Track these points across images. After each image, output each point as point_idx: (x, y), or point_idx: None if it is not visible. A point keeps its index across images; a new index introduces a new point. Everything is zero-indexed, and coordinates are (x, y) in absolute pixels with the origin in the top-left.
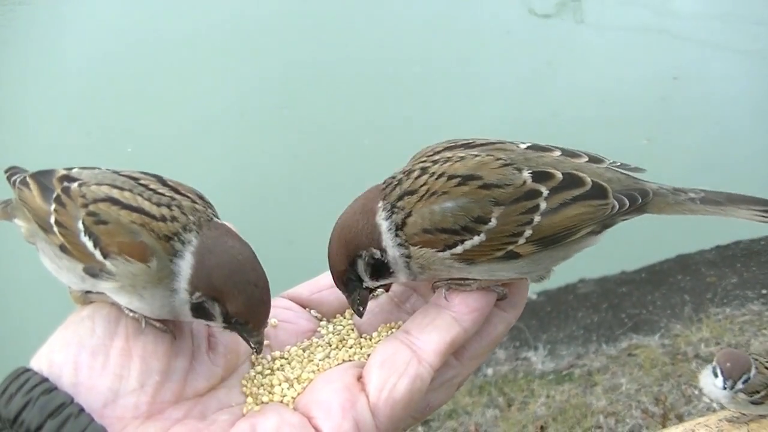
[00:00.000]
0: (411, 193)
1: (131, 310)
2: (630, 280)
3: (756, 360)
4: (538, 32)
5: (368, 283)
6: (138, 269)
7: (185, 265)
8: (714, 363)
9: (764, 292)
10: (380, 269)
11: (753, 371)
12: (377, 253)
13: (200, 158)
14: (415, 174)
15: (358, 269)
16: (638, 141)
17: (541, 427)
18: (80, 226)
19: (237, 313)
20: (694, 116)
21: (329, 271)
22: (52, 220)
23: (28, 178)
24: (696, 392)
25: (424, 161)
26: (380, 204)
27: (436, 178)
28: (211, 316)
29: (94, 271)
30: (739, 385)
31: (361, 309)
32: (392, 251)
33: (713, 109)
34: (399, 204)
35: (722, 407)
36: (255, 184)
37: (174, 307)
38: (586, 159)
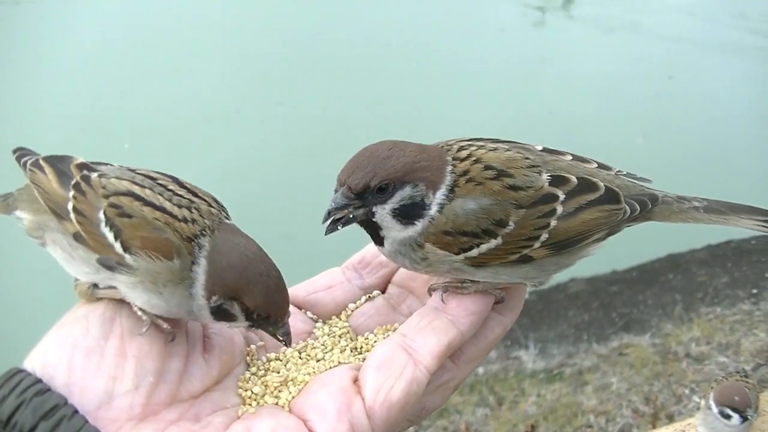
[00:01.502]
0: (458, 159)
1: (142, 310)
2: (621, 280)
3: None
4: (532, 30)
5: (381, 214)
6: (161, 266)
7: (200, 271)
8: (717, 406)
9: (755, 291)
10: (410, 212)
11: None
12: (430, 198)
13: (197, 154)
14: (455, 148)
15: (399, 191)
16: (633, 139)
17: (532, 426)
18: (101, 216)
19: (257, 307)
20: (688, 115)
21: (358, 163)
22: (70, 206)
23: (41, 161)
24: (686, 392)
25: (454, 145)
26: (449, 167)
27: (474, 162)
28: (233, 317)
29: (110, 263)
30: (751, 413)
31: (340, 228)
32: (434, 209)
33: (708, 107)
34: (457, 170)
35: None
36: (251, 180)
37: (192, 309)
38: (596, 165)
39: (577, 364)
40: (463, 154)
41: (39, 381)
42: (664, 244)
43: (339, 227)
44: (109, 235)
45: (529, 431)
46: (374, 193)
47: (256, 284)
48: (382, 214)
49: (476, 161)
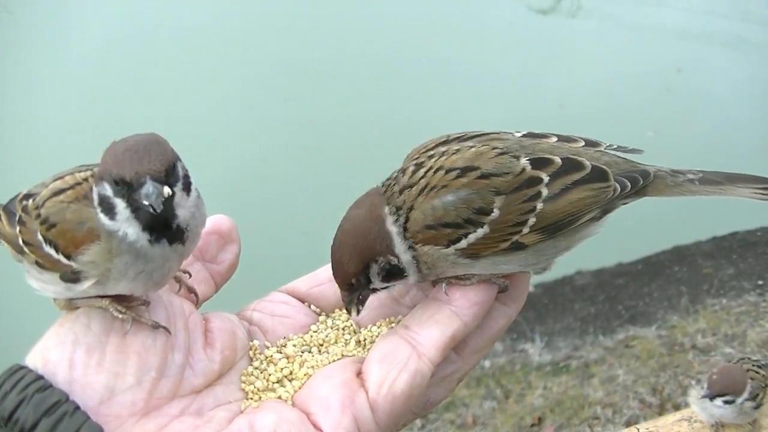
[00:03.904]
0: (409, 186)
1: (119, 311)
2: (627, 272)
3: (748, 369)
4: (541, 25)
5: (377, 284)
6: (96, 253)
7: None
8: (706, 387)
9: (760, 282)
10: (393, 273)
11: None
12: (393, 260)
13: (209, 151)
14: (410, 170)
15: (370, 273)
16: (644, 133)
17: (539, 419)
18: (39, 237)
19: (110, 172)
20: (698, 108)
21: (331, 269)
22: (21, 241)
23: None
24: (693, 383)
25: (417, 158)
26: (386, 209)
27: (434, 172)
28: (107, 199)
29: (69, 277)
30: (743, 399)
31: (361, 308)
32: (404, 255)
33: (718, 101)
34: (399, 201)
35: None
36: (265, 176)
37: (122, 249)
38: (583, 144)
39: (583, 357)
40: (417, 176)
41: (40, 377)
42: (670, 236)
43: (361, 307)
44: (52, 252)
45: (536, 424)
46: (358, 279)
47: (109, 153)
48: (378, 284)
49: (437, 170)
